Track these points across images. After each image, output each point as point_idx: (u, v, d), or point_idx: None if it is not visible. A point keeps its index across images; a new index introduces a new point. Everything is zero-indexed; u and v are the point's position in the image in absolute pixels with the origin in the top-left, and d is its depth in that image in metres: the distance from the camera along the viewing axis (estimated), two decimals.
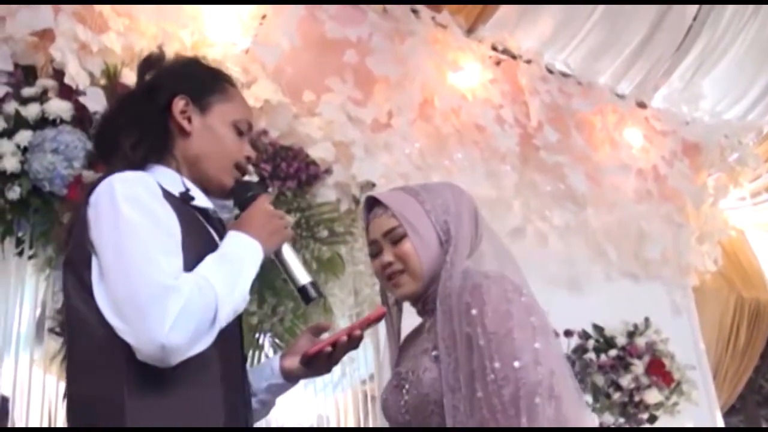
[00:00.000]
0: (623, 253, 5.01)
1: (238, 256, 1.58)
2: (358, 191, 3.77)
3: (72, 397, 1.57)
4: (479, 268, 1.83)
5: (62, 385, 3.02)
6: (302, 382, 1.97)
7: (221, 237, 1.69)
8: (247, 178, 1.85)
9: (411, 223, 1.85)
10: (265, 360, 1.86)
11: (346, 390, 3.76)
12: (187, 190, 1.67)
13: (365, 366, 3.81)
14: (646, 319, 4.82)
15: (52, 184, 2.90)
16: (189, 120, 1.74)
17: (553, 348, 1.69)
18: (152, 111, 1.73)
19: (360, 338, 1.75)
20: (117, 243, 1.46)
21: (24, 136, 2.92)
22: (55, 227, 2.94)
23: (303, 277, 1.76)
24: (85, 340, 1.51)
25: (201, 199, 1.71)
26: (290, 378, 1.86)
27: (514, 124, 4.50)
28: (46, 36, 3.15)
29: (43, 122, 2.97)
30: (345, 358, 3.56)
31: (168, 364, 1.41)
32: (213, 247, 1.62)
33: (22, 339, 3.01)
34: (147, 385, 1.44)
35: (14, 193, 2.87)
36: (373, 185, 3.82)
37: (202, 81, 1.82)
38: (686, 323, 5.39)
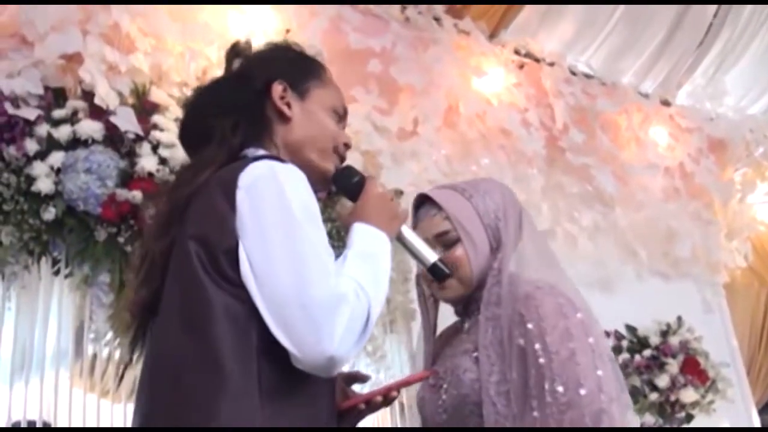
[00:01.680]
0: (653, 252, 4.99)
1: (373, 253, 1.51)
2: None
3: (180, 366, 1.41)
4: (521, 272, 1.79)
5: (104, 403, 3.05)
6: None
7: None
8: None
9: (465, 229, 1.82)
10: None
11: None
12: None
13: (400, 373, 3.80)
14: (679, 318, 4.80)
15: (86, 204, 2.91)
16: (288, 105, 1.66)
17: (611, 372, 1.66)
18: (248, 96, 1.65)
19: (395, 398, 1.65)
20: (287, 242, 1.39)
21: (57, 158, 2.93)
22: (90, 246, 2.96)
23: (431, 255, 1.74)
24: (204, 325, 1.39)
25: None
26: None
27: (539, 127, 4.51)
28: (74, 59, 3.17)
29: (75, 143, 2.99)
30: (380, 366, 3.59)
31: (330, 373, 1.38)
32: None
33: (61, 359, 3.02)
34: (276, 384, 1.38)
35: (49, 213, 2.88)
36: (401, 193, 3.83)
37: (299, 65, 1.74)
38: (718, 321, 5.34)
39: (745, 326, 5.66)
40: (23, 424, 2.83)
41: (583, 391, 1.58)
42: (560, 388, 1.58)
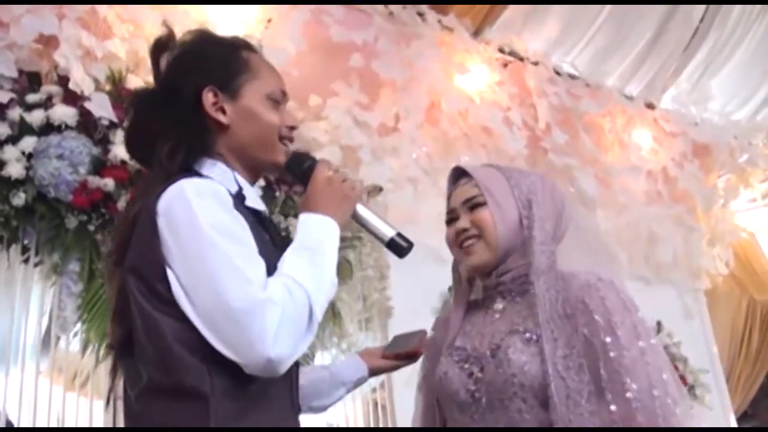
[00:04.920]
0: (634, 256, 4.97)
1: (317, 241, 1.54)
2: (365, 196, 3.74)
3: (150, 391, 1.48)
4: (563, 267, 1.79)
5: (69, 396, 3.00)
6: None
7: (273, 237, 1.66)
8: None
9: (492, 193, 1.82)
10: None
11: (356, 399, 3.73)
12: (240, 188, 1.61)
13: None
14: (658, 323, 4.78)
15: (57, 190, 2.87)
16: (223, 110, 1.64)
17: (671, 375, 1.66)
18: (182, 110, 1.62)
19: None
20: (201, 258, 1.41)
21: (29, 143, 2.90)
22: (61, 234, 2.91)
23: (388, 230, 1.70)
24: (160, 347, 1.44)
25: (253, 200, 1.65)
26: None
27: (522, 127, 4.48)
28: (50, 42, 3.13)
29: (48, 128, 2.96)
30: None
31: (277, 374, 1.39)
32: (271, 250, 1.57)
33: (29, 348, 2.97)
34: (228, 392, 1.42)
35: (19, 199, 2.84)
36: (381, 189, 3.79)
37: (225, 64, 1.68)
38: (698, 327, 5.34)
39: (726, 333, 5.67)
40: None
41: (656, 392, 1.59)
42: (635, 386, 1.59)
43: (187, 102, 1.62)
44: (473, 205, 1.83)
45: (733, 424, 5.20)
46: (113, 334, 1.60)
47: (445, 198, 1.94)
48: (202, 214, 1.44)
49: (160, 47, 1.70)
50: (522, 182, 1.86)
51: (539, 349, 1.67)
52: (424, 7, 4.34)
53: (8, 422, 2.87)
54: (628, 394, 1.58)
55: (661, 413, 1.57)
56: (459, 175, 1.93)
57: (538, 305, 1.71)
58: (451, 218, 1.89)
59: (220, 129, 1.64)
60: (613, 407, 1.59)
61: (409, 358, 1.98)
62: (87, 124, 3.02)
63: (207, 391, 1.39)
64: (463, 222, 1.84)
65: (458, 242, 1.86)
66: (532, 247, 1.77)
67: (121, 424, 2.64)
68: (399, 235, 1.70)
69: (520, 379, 1.67)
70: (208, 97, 1.63)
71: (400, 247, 1.69)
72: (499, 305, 1.85)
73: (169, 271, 1.44)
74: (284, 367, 1.39)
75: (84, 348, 2.95)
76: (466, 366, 1.80)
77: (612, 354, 1.61)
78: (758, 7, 5.07)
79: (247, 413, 1.44)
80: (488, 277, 1.87)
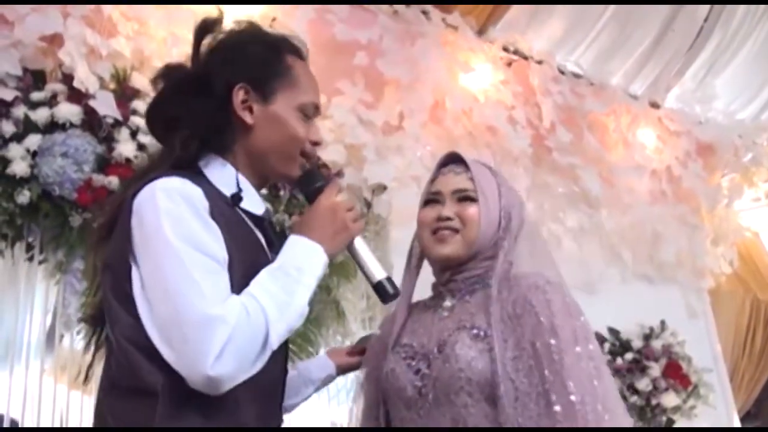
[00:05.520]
0: (638, 256, 4.97)
1: (297, 267, 1.49)
2: (369, 194, 3.75)
3: (105, 391, 1.49)
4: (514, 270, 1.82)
5: (73, 395, 3.00)
6: None
7: (270, 241, 1.64)
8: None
9: (485, 193, 1.83)
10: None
11: (359, 397, 3.72)
12: (240, 190, 1.59)
13: None
14: (662, 322, 4.78)
15: (61, 188, 2.87)
16: (251, 110, 1.61)
17: (608, 382, 1.68)
18: (209, 102, 1.59)
19: None
20: (158, 265, 1.40)
21: (33, 141, 2.90)
22: (65, 231, 2.91)
23: (378, 272, 1.64)
24: (120, 344, 1.44)
25: (252, 203, 1.63)
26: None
27: (526, 126, 4.49)
28: (55, 41, 3.13)
29: (53, 126, 2.96)
30: None
31: (217, 392, 1.37)
32: (261, 255, 1.56)
33: (33, 346, 2.97)
34: (185, 394, 1.38)
35: (24, 197, 2.84)
36: (385, 188, 3.79)
37: (264, 64, 1.64)
38: (702, 326, 5.33)
39: (729, 332, 5.65)
40: None
41: (587, 398, 1.60)
42: (574, 389, 1.61)
43: (217, 95, 1.60)
44: (464, 197, 1.84)
45: (737, 423, 5.19)
46: (90, 310, 1.63)
47: None
48: (168, 221, 1.42)
49: (205, 28, 1.66)
50: (509, 191, 1.89)
51: (487, 346, 1.68)
52: (428, 6, 4.34)
53: (12, 422, 2.87)
54: (572, 397, 1.60)
55: (592, 418, 1.58)
56: (451, 161, 1.93)
57: (492, 306, 1.72)
58: (433, 200, 1.89)
59: (242, 128, 1.62)
60: (557, 408, 1.61)
61: None
62: (91, 122, 3.01)
63: (159, 391, 1.37)
64: (448, 210, 1.84)
65: (434, 228, 1.85)
66: (498, 256, 1.80)
67: None
68: (388, 279, 1.65)
69: (467, 374, 1.68)
70: (239, 95, 1.61)
71: (386, 292, 1.64)
72: (447, 303, 1.86)
73: (134, 271, 1.43)
74: (225, 388, 1.36)
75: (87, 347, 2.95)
76: (413, 363, 1.80)
77: (555, 356, 1.64)
78: (763, 6, 5.06)
79: (208, 417, 1.41)
80: (443, 273, 1.89)
